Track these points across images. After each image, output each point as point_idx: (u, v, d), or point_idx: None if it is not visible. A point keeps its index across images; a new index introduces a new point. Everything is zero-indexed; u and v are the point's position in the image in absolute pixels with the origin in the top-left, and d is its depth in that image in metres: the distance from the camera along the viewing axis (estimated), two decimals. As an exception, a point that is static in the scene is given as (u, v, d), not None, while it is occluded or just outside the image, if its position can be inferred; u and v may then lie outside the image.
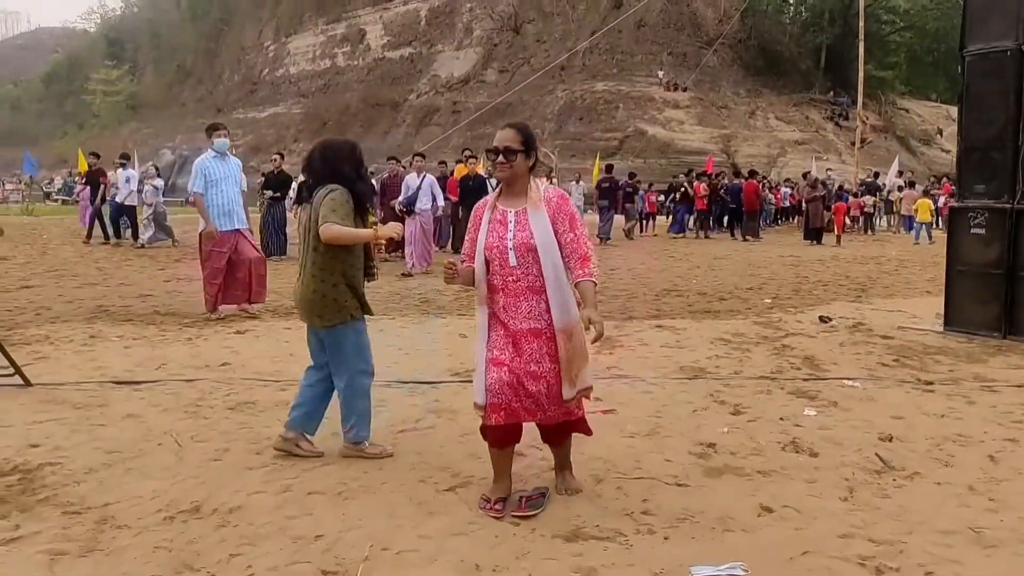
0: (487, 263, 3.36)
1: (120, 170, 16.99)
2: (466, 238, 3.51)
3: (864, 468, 3.99)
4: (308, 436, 4.09)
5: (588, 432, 3.57)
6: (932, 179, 30.90)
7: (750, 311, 8.94)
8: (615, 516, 3.40)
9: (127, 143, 67.08)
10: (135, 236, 16.82)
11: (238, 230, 8.03)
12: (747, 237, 20.05)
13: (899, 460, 4.08)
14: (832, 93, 50.23)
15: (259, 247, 8.69)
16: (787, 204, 25.05)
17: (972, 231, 7.07)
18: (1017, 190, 6.67)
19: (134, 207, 16.96)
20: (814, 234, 19.03)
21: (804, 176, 22.39)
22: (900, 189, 22.46)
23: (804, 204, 20.22)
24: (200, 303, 8.30)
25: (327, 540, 3.14)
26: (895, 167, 27.90)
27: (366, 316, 4.04)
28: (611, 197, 19.27)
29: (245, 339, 7.09)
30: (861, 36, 22.31)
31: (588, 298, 3.28)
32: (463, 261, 3.45)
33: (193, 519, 3.31)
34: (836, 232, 19.46)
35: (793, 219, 26.06)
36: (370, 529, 3.24)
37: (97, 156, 18.79)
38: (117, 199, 16.65)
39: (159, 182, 17.49)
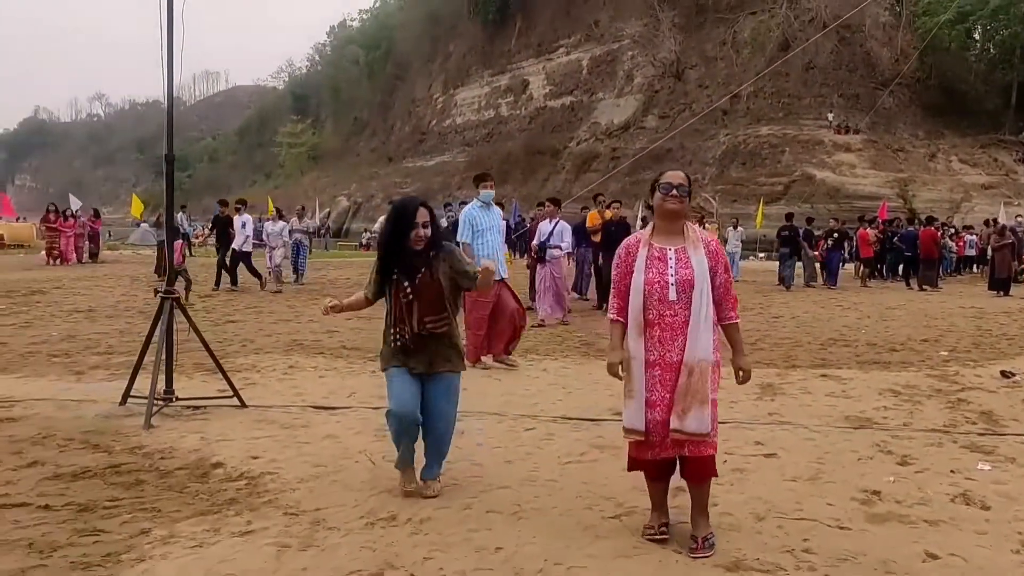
0: (645, 298, 3.51)
1: (236, 216, 16.46)
2: (614, 273, 3.69)
3: (1042, 524, 3.91)
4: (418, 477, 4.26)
5: (712, 472, 3.60)
6: None
7: (924, 364, 8.65)
8: (775, 552, 3.55)
9: (308, 191, 72.40)
10: (260, 282, 16.10)
11: (502, 280, 7.89)
12: (924, 287, 19.07)
13: (1080, 519, 3.97)
14: (1024, 134, 46.83)
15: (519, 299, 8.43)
16: (972, 252, 23.61)
17: None
18: None
19: (249, 253, 16.48)
20: (1001, 284, 17.84)
21: (987, 223, 21.10)
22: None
23: (990, 252, 19.03)
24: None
25: (506, 552, 3.50)
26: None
27: (392, 368, 4.10)
28: (792, 244, 19.03)
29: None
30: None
31: (739, 342, 3.65)
32: (616, 305, 3.67)
33: (390, 526, 3.77)
34: (1024, 280, 18.18)
35: (977, 268, 24.49)
36: (543, 546, 3.57)
37: (225, 204, 17.97)
38: (235, 246, 16.15)
39: (278, 225, 17.25)
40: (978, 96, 50.37)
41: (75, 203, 26.30)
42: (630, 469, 3.72)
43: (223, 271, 16.17)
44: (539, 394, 6.85)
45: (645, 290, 3.50)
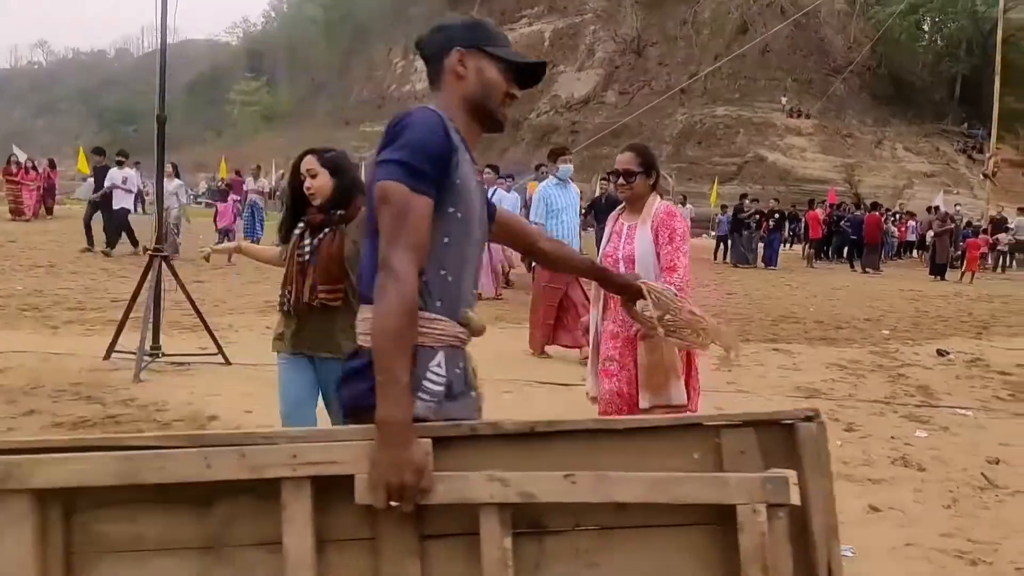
0: None
1: (117, 171, 14.77)
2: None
3: (968, 484, 4.39)
4: None
5: None
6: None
7: (867, 341, 9.20)
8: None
9: (261, 151, 71.21)
10: (133, 243, 14.62)
11: None
12: (867, 269, 19.88)
13: (1003, 480, 4.45)
14: (966, 125, 48.35)
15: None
16: (912, 238, 24.59)
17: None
18: None
19: (127, 211, 14.91)
20: (939, 269, 18.73)
21: (929, 210, 21.96)
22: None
23: (930, 238, 19.90)
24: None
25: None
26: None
27: (280, 355, 3.49)
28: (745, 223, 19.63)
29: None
30: (998, 68, 21.77)
31: None
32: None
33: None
34: (969, 269, 19.03)
35: (917, 253, 25.48)
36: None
37: (101, 153, 16.52)
38: (116, 204, 14.52)
39: (173, 184, 14.00)
40: (925, 87, 51.83)
41: (20, 154, 25.64)
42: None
43: (105, 231, 14.64)
44: (513, 359, 7.18)
45: (603, 263, 3.51)
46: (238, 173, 19.04)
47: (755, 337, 9.03)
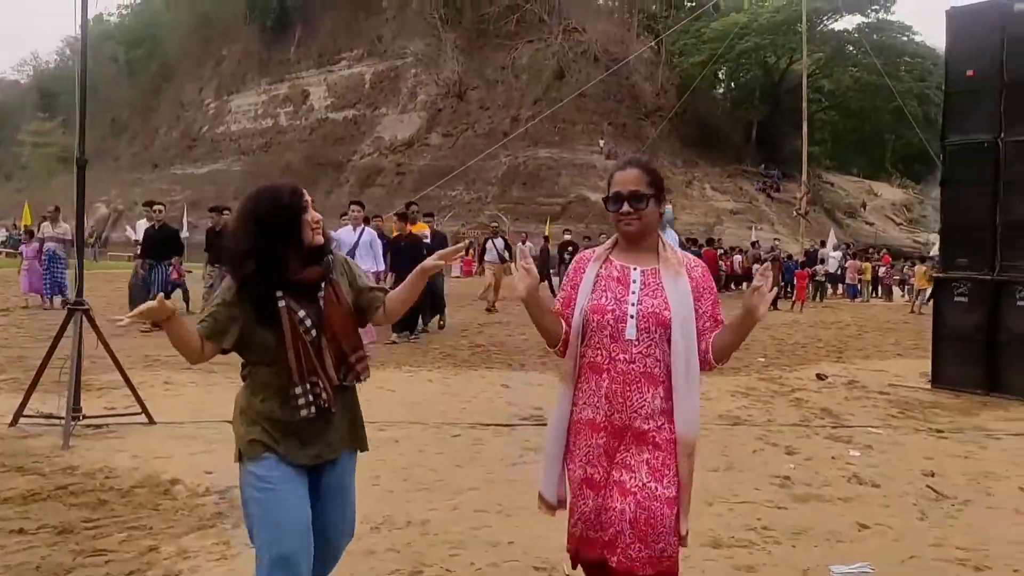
0: (585, 330, 2.51)
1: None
2: (559, 295, 2.69)
3: (923, 496, 4.79)
4: None
5: None
6: (857, 250, 32.94)
7: (749, 368, 9.81)
8: (740, 530, 4.10)
9: (59, 196, 66.01)
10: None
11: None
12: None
13: (948, 491, 4.89)
14: (764, 166, 53.02)
15: None
16: (739, 271, 26.46)
17: (956, 299, 8.13)
18: (996, 264, 7.74)
19: None
20: (772, 300, 20.21)
21: (753, 245, 23.75)
22: (845, 259, 24.18)
23: (759, 271, 21.46)
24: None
25: (520, 544, 3.76)
26: (832, 238, 29.81)
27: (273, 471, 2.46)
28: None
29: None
30: (804, 116, 24.16)
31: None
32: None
33: (395, 529, 3.90)
34: (798, 299, 20.72)
35: (742, 286, 27.40)
36: (551, 538, 3.85)
37: None
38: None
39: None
40: (725, 131, 56.31)
41: None
42: (572, 567, 2.70)
43: None
44: (441, 402, 7.07)
45: (589, 318, 2.49)
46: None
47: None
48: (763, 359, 10.66)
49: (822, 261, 24.11)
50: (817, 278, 23.12)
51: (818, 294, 23.27)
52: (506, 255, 16.98)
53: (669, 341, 2.43)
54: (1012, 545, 4.00)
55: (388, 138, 61.56)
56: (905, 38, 49.80)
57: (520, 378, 8.57)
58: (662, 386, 2.44)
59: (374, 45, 66.73)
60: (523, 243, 23.85)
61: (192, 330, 2.39)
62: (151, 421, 5.66)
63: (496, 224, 19.88)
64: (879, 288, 26.25)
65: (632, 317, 2.46)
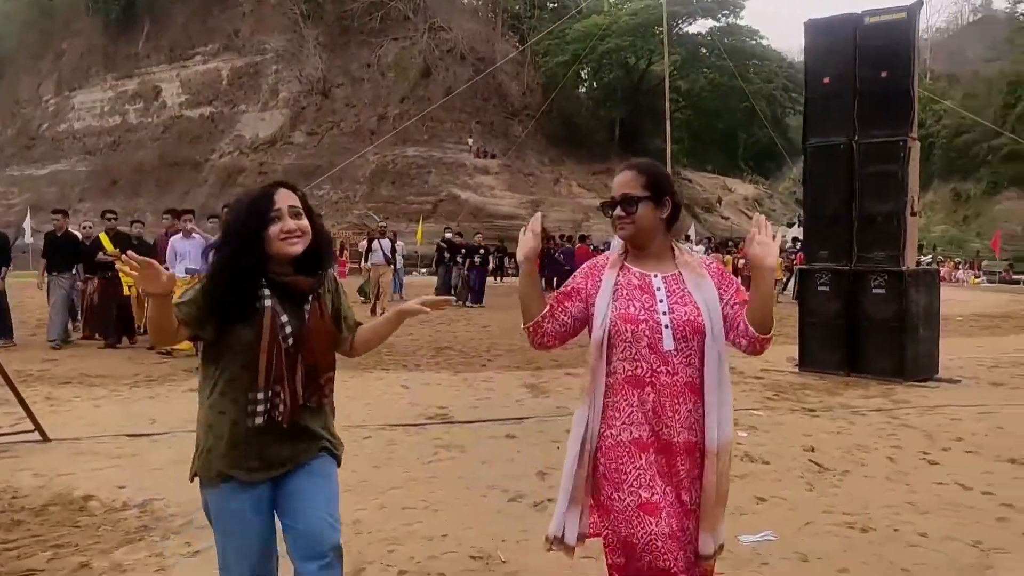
0: (613, 340, 2.34)
1: None
2: (565, 287, 2.49)
3: (808, 470, 5.24)
4: None
5: None
6: (717, 243, 34.69)
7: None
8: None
9: None
10: None
11: None
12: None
13: (828, 463, 5.37)
14: (626, 164, 54.86)
15: None
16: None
17: (818, 288, 8.83)
18: (853, 255, 8.47)
19: None
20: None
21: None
22: (708, 252, 25.45)
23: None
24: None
25: (454, 537, 3.91)
26: (693, 233, 31.27)
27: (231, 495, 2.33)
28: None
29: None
30: (667, 116, 25.23)
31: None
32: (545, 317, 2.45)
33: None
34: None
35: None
36: (479, 530, 4.03)
37: None
38: None
39: None
40: (590, 129, 57.95)
41: None
42: None
43: None
44: (344, 405, 7.05)
45: (619, 329, 2.31)
46: None
47: (542, 364, 9.68)
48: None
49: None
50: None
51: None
52: (391, 256, 16.90)
53: (704, 348, 2.31)
54: (888, 508, 4.46)
55: (249, 136, 59.65)
56: (753, 42, 52.86)
57: (417, 378, 8.66)
58: (700, 395, 2.32)
59: (231, 40, 64.42)
60: (391, 241, 23.64)
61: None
62: (45, 439, 5.41)
63: (384, 225, 19.57)
64: (739, 279, 27.66)
65: (667, 327, 2.30)
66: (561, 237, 26.08)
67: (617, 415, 2.31)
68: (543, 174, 52.50)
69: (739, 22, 52.58)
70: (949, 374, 8.73)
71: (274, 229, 2.26)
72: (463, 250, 19.87)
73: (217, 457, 2.26)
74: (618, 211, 2.42)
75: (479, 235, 21.92)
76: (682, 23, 52.13)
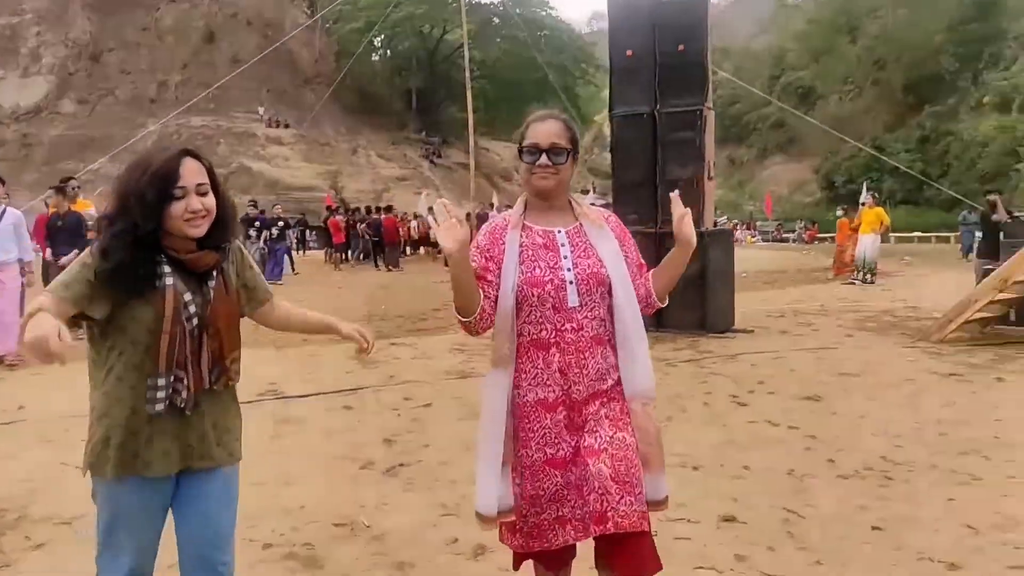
0: (520, 305, 2.28)
1: None
2: (473, 265, 2.28)
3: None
4: None
5: (658, 566, 2.22)
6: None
7: (454, 326, 10.37)
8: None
9: None
10: None
11: None
12: (390, 267, 21.69)
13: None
14: (424, 133, 54.74)
15: None
16: (416, 236, 27.29)
17: (629, 250, 9.34)
18: (659, 218, 9.03)
19: None
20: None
21: (430, 210, 24.58)
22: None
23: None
24: None
25: (311, 508, 3.89)
26: (496, 201, 31.89)
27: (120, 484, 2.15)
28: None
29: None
30: (468, 86, 25.40)
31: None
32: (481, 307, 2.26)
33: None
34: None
35: (423, 249, 28.22)
36: (336, 499, 4.03)
37: None
38: None
39: None
40: (386, 98, 57.17)
41: None
42: (516, 566, 2.43)
43: None
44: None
45: (526, 294, 2.27)
46: None
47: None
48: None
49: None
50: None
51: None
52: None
53: (610, 299, 2.31)
54: (712, 447, 4.91)
55: (9, 105, 53.56)
56: (544, 13, 54.17)
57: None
58: (609, 345, 2.32)
59: (-22, -2, 57.44)
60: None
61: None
62: None
63: None
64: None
65: (571, 283, 2.28)
66: (368, 209, 25.70)
67: (523, 377, 2.28)
68: (340, 144, 51.33)
69: (530, -7, 53.71)
70: (744, 325, 9.60)
71: (177, 207, 2.06)
72: (257, 223, 18.75)
73: (115, 448, 2.08)
74: (544, 160, 2.30)
75: (278, 207, 20.97)
76: (475, -8, 52.44)
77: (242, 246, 2.39)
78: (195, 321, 2.12)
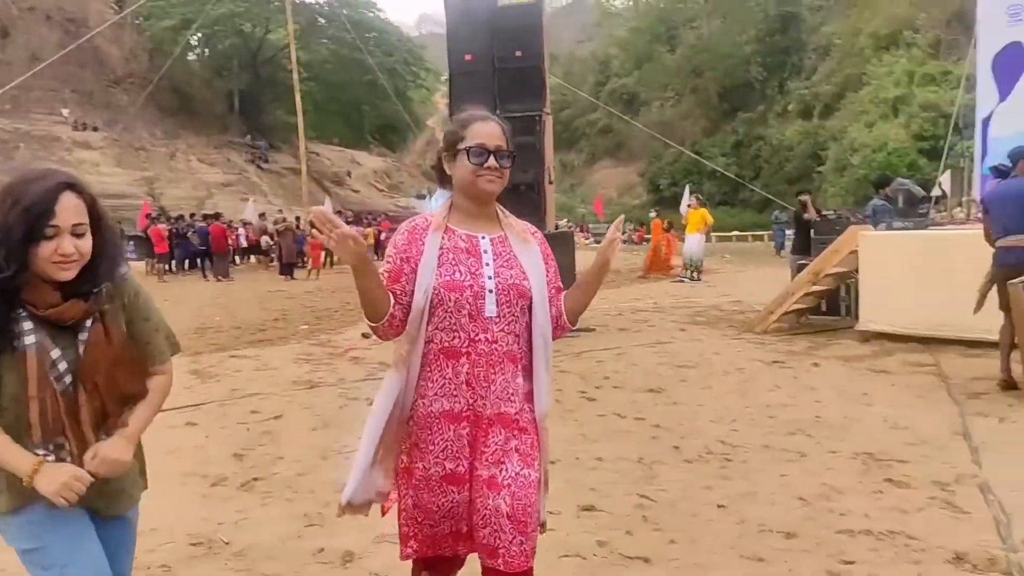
0: (434, 309, 2.18)
1: None
2: (388, 266, 2.22)
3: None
4: None
5: None
6: (356, 216, 35.21)
7: (296, 336, 10.16)
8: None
9: None
10: None
11: None
12: (219, 277, 20.74)
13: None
14: (249, 137, 52.76)
15: None
16: (245, 244, 26.28)
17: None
18: (546, 220, 9.14)
19: None
20: (288, 269, 20.72)
21: (311, 224, 23.75)
22: (348, 224, 25.40)
23: (275, 241, 21.72)
24: None
25: (166, 528, 3.70)
26: (328, 206, 31.29)
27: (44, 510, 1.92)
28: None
29: None
30: (296, 88, 24.78)
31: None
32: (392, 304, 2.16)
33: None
34: (314, 266, 21.42)
35: (256, 258, 27.14)
36: (189, 517, 3.84)
37: None
38: None
39: None
40: (206, 100, 54.59)
41: None
42: (408, 560, 2.33)
43: None
44: None
45: (442, 298, 2.16)
46: None
47: (202, 349, 9.16)
48: (306, 327, 11.10)
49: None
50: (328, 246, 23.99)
51: (329, 260, 24.41)
52: None
53: (529, 314, 2.23)
54: (566, 441, 5.03)
55: None
56: (372, 14, 53.59)
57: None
58: (521, 364, 2.23)
59: None
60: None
61: None
62: None
63: None
64: (381, 251, 28.47)
65: (491, 292, 2.17)
66: (192, 216, 24.49)
67: (430, 386, 2.17)
68: (156, 148, 48.50)
69: (357, -7, 52.98)
70: (585, 324, 9.95)
71: (46, 248, 1.79)
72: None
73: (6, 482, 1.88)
74: (492, 162, 2.18)
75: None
76: (299, -8, 51.11)
77: (139, 288, 2.09)
78: (68, 380, 1.87)
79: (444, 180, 2.29)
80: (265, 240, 25.16)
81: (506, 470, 2.13)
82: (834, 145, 38.99)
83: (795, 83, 47.78)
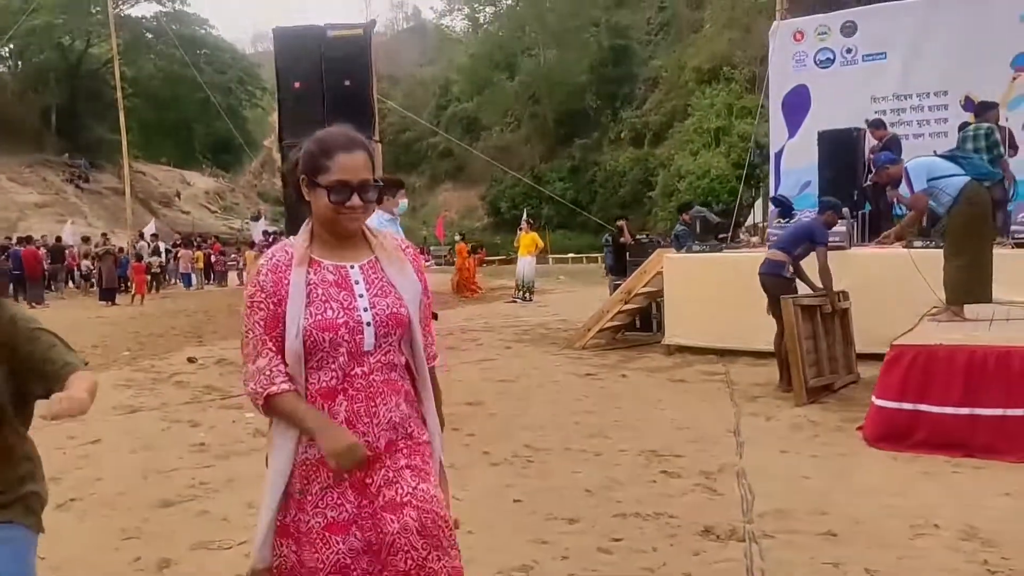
0: (310, 351, 1.99)
1: None
2: (261, 314, 1.99)
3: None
4: None
5: None
6: (185, 238, 33.92)
7: (118, 363, 9.90)
8: (184, 488, 4.63)
9: None
10: None
11: None
12: (33, 304, 19.47)
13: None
14: (68, 155, 49.65)
15: None
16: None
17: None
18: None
19: None
20: (109, 295, 19.74)
21: (84, 240, 22.51)
22: (176, 247, 24.61)
23: (94, 267, 20.60)
24: None
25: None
26: (151, 228, 30.00)
27: None
28: None
29: None
30: (121, 105, 23.78)
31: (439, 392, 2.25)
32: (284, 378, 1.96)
33: None
34: (138, 292, 20.49)
35: (73, 283, 25.55)
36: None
37: None
38: None
39: None
40: (19, 116, 50.81)
41: None
42: None
43: None
44: None
45: (315, 339, 1.97)
46: None
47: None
48: (128, 352, 10.80)
49: (156, 253, 24.23)
50: (153, 270, 23.20)
51: (154, 285, 23.47)
52: None
53: (408, 341, 2.09)
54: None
55: None
56: (203, 31, 51.98)
57: None
58: (403, 394, 2.06)
59: None
60: None
61: None
62: None
63: None
64: (212, 274, 27.64)
65: (368, 325, 1.99)
66: (8, 239, 22.88)
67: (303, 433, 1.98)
68: (-39, 166, 44.86)
69: (187, 9, 51.29)
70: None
71: None
72: None
73: None
74: (355, 201, 1.98)
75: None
76: (124, 5, 48.80)
77: (16, 314, 1.95)
78: None
79: (302, 202, 2.07)
80: (85, 265, 23.86)
81: (401, 488, 1.96)
82: (663, 172, 41.25)
83: (627, 112, 50.23)
